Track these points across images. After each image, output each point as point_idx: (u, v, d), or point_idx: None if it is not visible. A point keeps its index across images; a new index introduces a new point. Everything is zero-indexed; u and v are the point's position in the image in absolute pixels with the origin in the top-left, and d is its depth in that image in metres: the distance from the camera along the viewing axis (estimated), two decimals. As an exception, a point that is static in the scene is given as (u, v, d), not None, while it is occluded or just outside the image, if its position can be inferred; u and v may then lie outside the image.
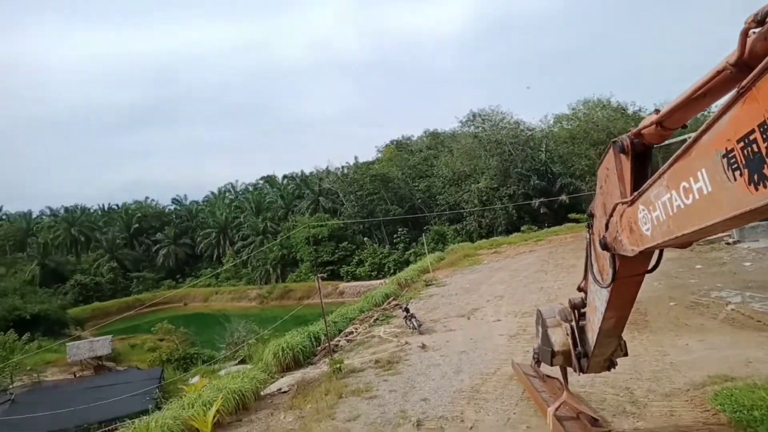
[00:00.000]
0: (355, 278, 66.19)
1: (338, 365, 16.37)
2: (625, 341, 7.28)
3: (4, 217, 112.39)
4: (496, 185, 62.03)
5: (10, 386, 25.05)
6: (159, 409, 16.10)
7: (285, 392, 16.76)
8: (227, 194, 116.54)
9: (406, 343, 18.42)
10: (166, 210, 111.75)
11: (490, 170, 62.72)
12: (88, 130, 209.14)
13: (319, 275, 32.22)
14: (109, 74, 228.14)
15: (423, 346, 17.38)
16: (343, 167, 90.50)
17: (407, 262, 55.38)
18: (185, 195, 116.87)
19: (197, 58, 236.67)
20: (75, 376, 33.35)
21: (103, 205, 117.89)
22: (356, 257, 69.49)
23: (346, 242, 72.03)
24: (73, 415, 18.74)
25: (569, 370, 8.37)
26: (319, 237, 71.08)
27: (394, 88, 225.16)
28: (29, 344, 30.09)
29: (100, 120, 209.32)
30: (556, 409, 8.79)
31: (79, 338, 44.00)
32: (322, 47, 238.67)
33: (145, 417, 15.36)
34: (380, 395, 12.93)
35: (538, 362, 10.00)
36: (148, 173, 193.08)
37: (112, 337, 42.22)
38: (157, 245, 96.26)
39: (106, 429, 16.52)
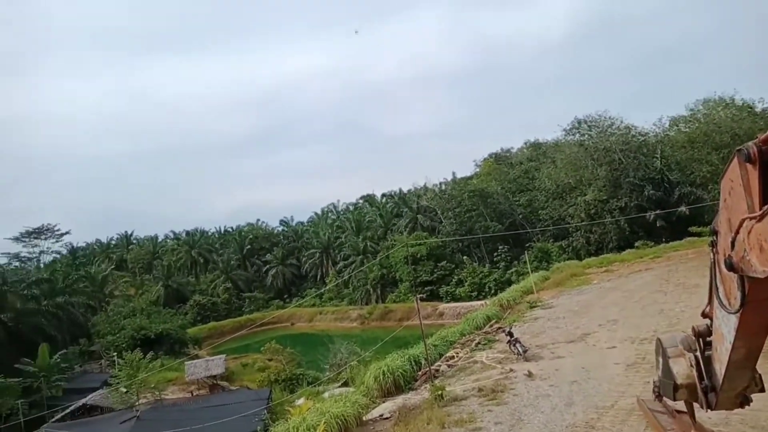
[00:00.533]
0: (454, 299, 65.03)
1: (440, 392, 15.86)
2: (760, 375, 6.27)
3: (134, 241, 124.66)
4: (605, 197, 58.21)
5: (137, 403, 27.29)
6: (267, 430, 16.50)
7: (386, 418, 16.53)
8: (329, 214, 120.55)
9: (511, 370, 17.49)
10: (275, 231, 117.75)
11: (599, 181, 58.99)
12: (205, 158, 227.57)
13: (418, 296, 31.88)
14: (221, 105, 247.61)
15: (529, 374, 16.39)
16: (440, 183, 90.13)
17: (509, 282, 53.49)
18: (291, 216, 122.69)
19: (296, 82, 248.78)
20: (192, 394, 35.63)
21: (219, 227, 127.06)
22: (455, 277, 68.37)
23: (445, 261, 71.16)
24: (190, 433, 19.84)
25: (696, 405, 7.52)
26: (418, 256, 70.86)
27: (491, 99, 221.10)
28: (153, 362, 32.72)
29: (215, 147, 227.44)
30: None
31: (197, 357, 47.21)
32: (416, 61, 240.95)
33: (253, 438, 15.94)
34: (485, 427, 12.27)
35: (659, 396, 9.06)
36: (259, 196, 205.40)
37: (225, 356, 44.78)
38: (267, 266, 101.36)
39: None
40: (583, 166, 61.38)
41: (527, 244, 64.74)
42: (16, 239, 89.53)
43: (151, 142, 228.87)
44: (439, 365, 21.44)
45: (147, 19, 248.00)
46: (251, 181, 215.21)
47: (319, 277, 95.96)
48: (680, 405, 8.79)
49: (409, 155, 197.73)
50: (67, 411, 28.89)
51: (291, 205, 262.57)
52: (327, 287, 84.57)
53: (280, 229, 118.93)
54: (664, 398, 9.28)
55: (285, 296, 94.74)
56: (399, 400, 17.84)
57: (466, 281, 65.69)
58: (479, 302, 49.34)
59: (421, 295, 67.99)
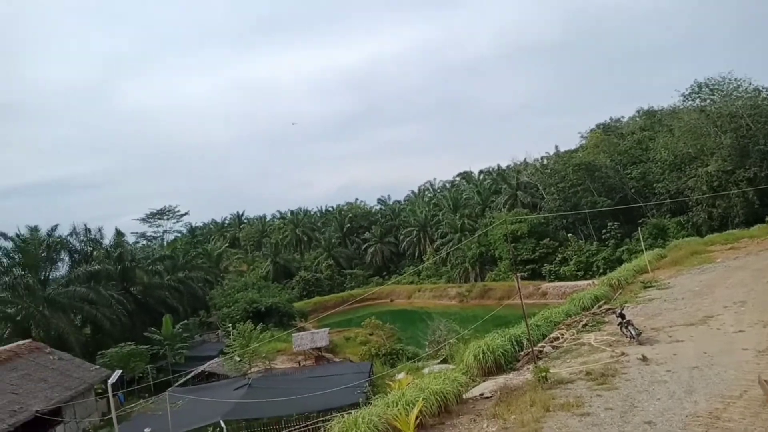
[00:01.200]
0: (558, 278, 62.44)
1: (543, 374, 15.21)
2: None
3: (245, 220, 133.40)
4: (730, 167, 52.41)
5: (249, 371, 29.28)
6: (368, 402, 16.83)
7: (487, 398, 16.19)
8: (426, 192, 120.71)
9: (623, 353, 16.35)
10: (373, 210, 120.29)
11: (723, 150, 53.13)
12: (306, 141, 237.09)
13: (519, 274, 30.89)
14: (320, 89, 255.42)
15: (644, 359, 15.22)
16: (542, 158, 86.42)
17: (619, 261, 50.22)
18: (389, 195, 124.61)
19: (394, 61, 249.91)
20: (299, 365, 37.58)
21: (320, 207, 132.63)
22: (559, 255, 65.55)
23: (548, 239, 68.42)
24: (296, 403, 20.85)
25: None
26: (518, 233, 68.77)
27: (596, 68, 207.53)
28: (263, 333, 34.86)
29: (315, 130, 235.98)
30: None
31: (303, 329, 49.59)
32: (512, 33, 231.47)
33: (354, 411, 16.31)
34: (594, 413, 11.55)
35: None
36: (357, 176, 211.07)
37: (329, 329, 46.64)
38: (366, 243, 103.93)
39: (322, 419, 17.84)
40: (705, 134, 55.54)
41: (640, 221, 60.34)
42: (143, 220, 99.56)
43: (255, 128, 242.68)
44: (543, 346, 20.63)
45: (243, 15, 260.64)
46: (349, 162, 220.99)
47: (416, 254, 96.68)
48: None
49: (508, 131, 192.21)
50: (189, 377, 31.71)
51: (388, 184, 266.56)
52: (425, 265, 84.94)
53: (377, 207, 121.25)
54: None
55: (384, 273, 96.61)
56: (500, 380, 17.38)
57: (571, 260, 62.77)
58: (586, 282, 46.93)
59: (522, 274, 66.12)
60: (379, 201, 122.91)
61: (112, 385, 20.22)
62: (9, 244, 40.31)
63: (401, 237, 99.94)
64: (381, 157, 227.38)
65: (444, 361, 28.46)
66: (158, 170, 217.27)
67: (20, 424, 22.83)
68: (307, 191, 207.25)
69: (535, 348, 20.66)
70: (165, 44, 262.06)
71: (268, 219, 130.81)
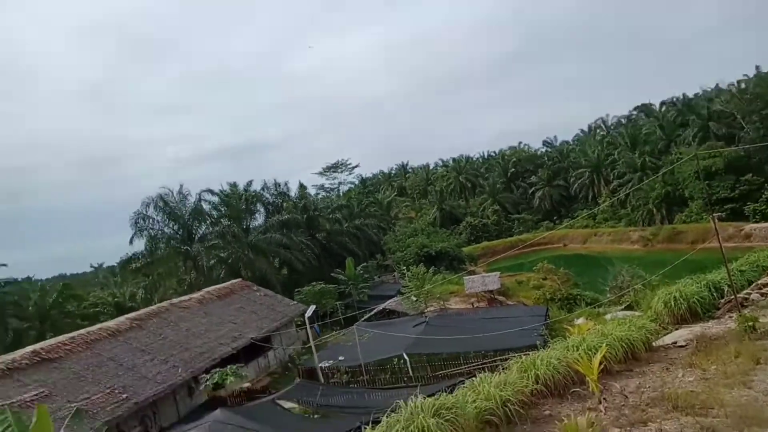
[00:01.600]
0: (765, 218, 53.87)
1: (751, 323, 13.67)
2: None
3: (410, 170, 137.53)
4: None
5: (425, 310, 31.03)
6: (546, 345, 16.83)
7: (681, 347, 15.10)
8: (598, 131, 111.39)
9: None
10: (538, 153, 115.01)
11: None
12: (463, 86, 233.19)
13: (716, 215, 27.51)
14: (476, 31, 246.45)
15: None
16: (739, 83, 73.74)
17: None
18: (555, 136, 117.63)
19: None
20: (473, 306, 38.58)
21: (483, 153, 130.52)
22: (766, 192, 56.26)
23: (750, 174, 58.96)
24: (472, 341, 21.68)
25: None
26: (713, 169, 60.35)
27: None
28: (435, 276, 36.42)
29: (473, 75, 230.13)
30: None
31: (473, 273, 50.52)
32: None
33: (531, 353, 16.46)
34: (821, 368, 10.19)
35: None
36: (520, 119, 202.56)
37: (499, 273, 46.82)
38: (533, 188, 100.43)
39: (499, 358, 18.35)
40: None
41: None
42: (320, 173, 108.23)
43: (415, 79, 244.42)
44: (749, 293, 18.37)
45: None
46: (511, 104, 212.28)
47: (590, 197, 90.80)
48: None
49: (693, 57, 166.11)
50: (372, 313, 34.68)
51: (553, 125, 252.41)
52: (600, 207, 79.56)
53: (543, 150, 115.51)
54: None
55: (554, 217, 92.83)
56: (696, 328, 16.06)
57: (784, 197, 53.61)
58: (804, 222, 39.92)
59: (720, 214, 58.41)
60: (545, 143, 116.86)
61: (309, 318, 23.04)
62: (216, 199, 47.36)
63: (572, 179, 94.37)
64: (544, 98, 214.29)
65: (629, 308, 26.93)
66: (331, 127, 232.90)
67: (240, 348, 27.49)
68: (468, 138, 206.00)
69: (738, 295, 18.52)
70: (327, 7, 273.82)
71: (431, 167, 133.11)
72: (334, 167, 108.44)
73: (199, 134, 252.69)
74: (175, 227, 42.55)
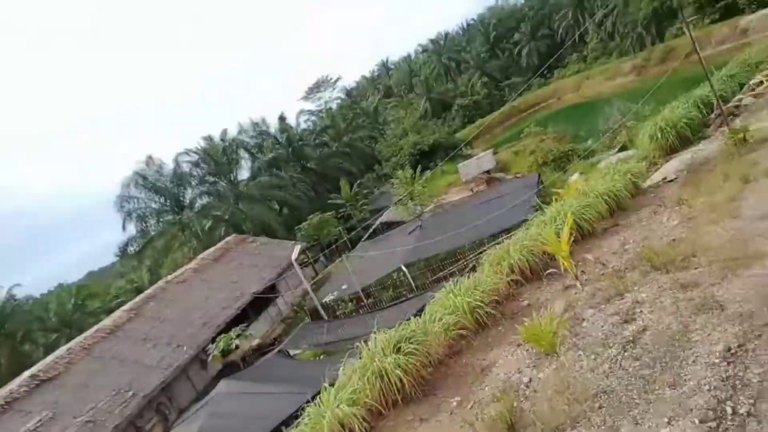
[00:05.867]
0: (761, 5, 49.27)
1: (740, 135, 12.05)
2: None
3: (392, 66, 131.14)
4: None
5: (423, 212, 29.90)
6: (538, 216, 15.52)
7: (671, 181, 13.68)
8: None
9: None
10: (517, 6, 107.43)
11: None
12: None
13: (689, 19, 24.64)
14: None
15: None
16: None
17: None
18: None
19: None
20: (472, 191, 37.21)
21: (461, 24, 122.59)
22: (761, -26, 51.20)
23: (746, -41, 53.53)
24: (466, 233, 20.60)
25: None
26: (703, -33, 55.05)
27: None
28: (425, 173, 34.87)
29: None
30: None
31: (469, 156, 48.67)
32: None
33: (519, 231, 15.31)
34: (816, 170, 8.69)
35: None
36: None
37: (492, 150, 44.94)
38: (518, 46, 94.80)
39: (495, 243, 17.27)
40: None
41: None
42: (305, 98, 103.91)
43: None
44: (740, 99, 16.52)
45: None
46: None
47: (577, 38, 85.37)
48: None
49: None
50: (371, 231, 33.78)
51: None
52: (589, 47, 74.92)
53: (522, 1, 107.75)
54: None
55: (545, 72, 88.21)
56: (687, 155, 14.50)
57: (778, -25, 48.70)
58: (801, -3, 36.21)
59: (713, 15, 54.16)
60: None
61: (303, 255, 22.08)
62: (195, 158, 45.49)
63: (555, 25, 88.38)
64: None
65: (623, 149, 25.26)
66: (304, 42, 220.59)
67: (245, 305, 27.14)
68: (445, 12, 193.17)
69: (729, 104, 16.67)
70: None
71: (412, 57, 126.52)
72: (316, 87, 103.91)
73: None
74: (162, 199, 41.47)
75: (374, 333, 9.22)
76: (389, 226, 33.65)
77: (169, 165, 43.49)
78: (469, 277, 10.77)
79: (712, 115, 15.89)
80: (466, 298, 9.69)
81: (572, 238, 10.23)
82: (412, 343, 8.57)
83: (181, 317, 24.92)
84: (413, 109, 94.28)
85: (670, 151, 15.92)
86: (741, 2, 51.90)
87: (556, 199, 16.17)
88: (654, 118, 17.70)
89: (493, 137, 73.11)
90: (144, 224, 40.52)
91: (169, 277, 29.64)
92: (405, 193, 30.72)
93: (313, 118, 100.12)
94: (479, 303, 9.53)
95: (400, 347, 8.55)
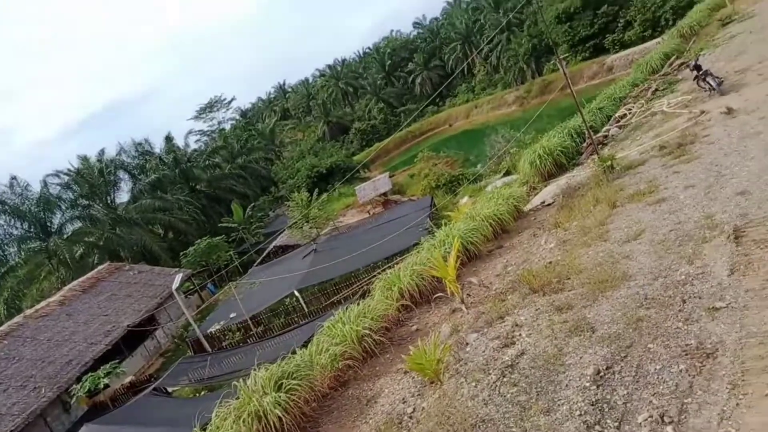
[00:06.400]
0: (623, 46, 55.39)
1: (608, 163, 13.02)
2: None
3: (289, 89, 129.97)
4: None
5: (319, 236, 29.33)
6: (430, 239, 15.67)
7: (549, 205, 14.47)
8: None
9: (702, 112, 13.55)
10: (411, 37, 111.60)
11: None
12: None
13: (562, 57, 26.76)
14: None
15: (728, 111, 12.43)
16: None
17: (690, 5, 42.93)
18: (423, 15, 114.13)
19: None
20: (370, 213, 37.45)
21: (357, 52, 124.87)
22: (621, 20, 57.56)
23: (606, 5, 59.89)
24: (362, 256, 20.41)
25: None
26: (572, 10, 60.71)
27: None
28: (322, 196, 34.38)
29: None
30: None
31: (368, 179, 49.11)
32: None
33: (411, 253, 15.40)
34: (671, 196, 9.47)
35: None
36: (392, 7, 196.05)
37: (388, 173, 45.74)
38: (412, 75, 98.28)
39: (388, 266, 17.23)
40: None
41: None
42: (196, 117, 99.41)
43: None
44: (608, 129, 18.02)
45: None
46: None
47: (466, 70, 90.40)
48: None
49: None
50: (262, 257, 32.72)
51: (425, 4, 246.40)
52: (476, 78, 79.50)
53: (415, 33, 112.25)
54: None
55: (437, 100, 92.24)
56: (562, 180, 15.42)
57: (636, 21, 54.99)
58: (653, 42, 41.08)
59: (584, 53, 59.83)
60: (415, 25, 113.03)
61: (199, 279, 20.55)
62: (66, 180, 41.38)
63: (446, 56, 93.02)
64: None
65: (508, 173, 26.65)
66: (199, 65, 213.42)
67: (117, 340, 24.72)
68: (342, 41, 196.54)
69: (598, 134, 18.15)
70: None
71: (311, 81, 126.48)
72: (209, 107, 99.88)
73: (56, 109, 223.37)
74: (25, 225, 37.02)
75: (255, 369, 8.54)
76: (284, 249, 32.73)
77: (36, 187, 39.15)
78: (359, 304, 10.45)
79: (584, 144, 17.10)
80: (354, 326, 9.36)
81: (459, 262, 10.32)
82: (295, 378, 8.04)
83: (41, 356, 22.02)
84: (311, 132, 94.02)
85: (548, 177, 16.91)
86: (607, 43, 57.90)
87: (445, 223, 16.60)
88: (534, 146, 18.83)
89: (390, 160, 74.65)
90: (1, 252, 35.93)
91: (29, 311, 26.23)
92: (300, 216, 30.05)
93: (204, 138, 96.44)
94: (368, 331, 9.25)
95: (282, 384, 7.99)
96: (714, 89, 14.34)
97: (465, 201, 24.48)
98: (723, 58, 17.93)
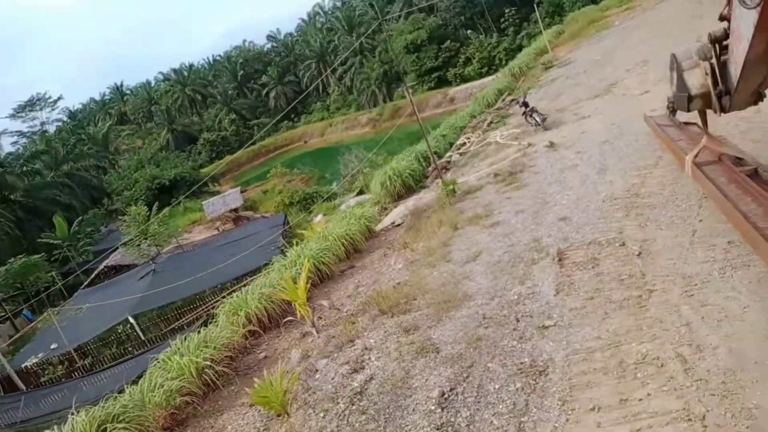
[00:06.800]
0: (464, 80, 60.58)
1: (451, 187, 13.89)
2: None
3: (128, 91, 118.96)
4: None
5: (159, 254, 26.89)
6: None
7: (399, 225, 14.98)
8: (317, 17, 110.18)
9: (529, 144, 15.14)
10: (265, 50, 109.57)
11: None
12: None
13: (407, 86, 28.33)
14: None
15: (551, 145, 14.05)
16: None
17: (520, 48, 48.45)
18: (278, 29, 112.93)
19: None
20: (219, 230, 35.59)
21: (207, 58, 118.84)
22: (462, 56, 62.95)
23: (449, 41, 65.05)
24: (207, 277, 19.17)
25: (709, 114, 8.09)
26: (419, 42, 64.83)
27: None
28: (164, 211, 31.56)
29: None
30: (695, 156, 8.24)
31: (217, 193, 46.74)
32: None
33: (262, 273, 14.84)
34: (504, 220, 10.32)
35: (673, 112, 9.55)
36: (244, 16, 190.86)
37: (240, 188, 44.02)
38: (266, 88, 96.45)
39: (239, 286, 16.39)
40: None
41: (536, 0, 57.66)
42: (13, 116, 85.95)
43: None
44: (450, 156, 19.32)
45: None
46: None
47: (321, 88, 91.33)
48: (685, 117, 10.13)
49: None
50: (91, 278, 29.33)
51: (279, 17, 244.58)
52: (331, 98, 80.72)
53: (269, 46, 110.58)
54: (670, 115, 10.50)
55: (292, 116, 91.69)
56: (411, 202, 16.08)
57: (474, 58, 60.57)
58: (490, 78, 45.44)
59: (430, 83, 64.01)
60: (269, 38, 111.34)
61: (12, 305, 17.48)
62: None
63: (301, 73, 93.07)
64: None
65: (361, 193, 27.20)
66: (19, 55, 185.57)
67: None
68: (191, 46, 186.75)
69: (442, 159, 19.38)
70: None
71: (153, 84, 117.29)
72: (30, 105, 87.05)
73: None
74: None
75: (72, 414, 7.41)
76: (117, 270, 29.55)
77: None
78: (199, 332, 9.68)
79: (430, 168, 18.08)
80: (194, 357, 8.61)
81: (310, 283, 10.14)
82: (122, 421, 7.12)
83: None
84: (152, 140, 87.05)
85: (398, 198, 17.57)
86: (450, 76, 62.76)
87: (297, 242, 16.33)
88: (385, 167, 19.52)
89: (242, 174, 72.26)
90: None
91: None
92: (138, 232, 27.43)
93: (23, 140, 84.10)
94: (209, 362, 8.56)
95: (105, 429, 7.01)
96: (539, 124, 16.11)
97: (319, 219, 24.43)
98: (546, 97, 20.33)
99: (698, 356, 4.60)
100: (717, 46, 6.97)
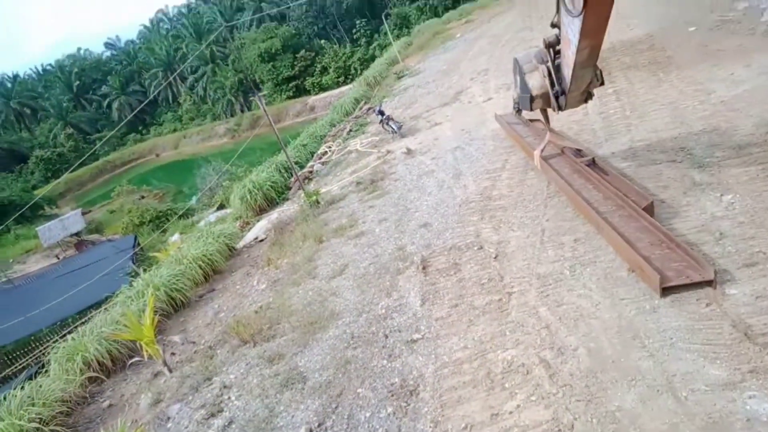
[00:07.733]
0: (322, 89, 60.67)
1: (314, 198, 13.51)
2: (600, 70, 7.26)
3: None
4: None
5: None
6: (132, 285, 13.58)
7: (262, 240, 14.24)
8: (161, 24, 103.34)
9: (388, 152, 15.30)
10: (104, 58, 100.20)
11: None
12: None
13: (260, 95, 27.65)
14: None
15: (408, 152, 14.30)
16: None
17: (373, 58, 49.71)
18: (117, 36, 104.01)
19: None
20: (59, 258, 31.26)
21: (35, 68, 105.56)
22: (318, 65, 62.99)
23: (304, 50, 64.73)
24: (46, 313, 16.65)
25: (549, 112, 8.71)
26: (273, 51, 63.60)
27: None
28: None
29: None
30: (542, 150, 9.00)
31: (55, 217, 41.30)
32: None
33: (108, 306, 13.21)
34: (369, 230, 10.18)
35: (519, 111, 10.21)
36: (81, 24, 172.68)
37: (81, 209, 39.33)
38: (107, 99, 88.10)
39: (80, 322, 14.44)
40: None
41: (384, 13, 59.64)
42: None
43: None
44: (312, 165, 18.93)
45: None
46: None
47: (170, 98, 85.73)
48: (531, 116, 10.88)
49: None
50: None
51: (115, 25, 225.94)
52: (183, 108, 76.08)
53: (108, 54, 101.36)
54: (516, 114, 11.00)
55: (140, 128, 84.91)
56: (273, 216, 15.37)
57: (330, 67, 60.95)
58: (347, 87, 45.98)
59: (288, 93, 63.13)
60: (108, 45, 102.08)
61: None
62: None
63: (147, 82, 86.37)
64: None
65: (221, 207, 25.70)
66: None
67: None
68: (15, 58, 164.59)
69: (304, 169, 18.93)
70: None
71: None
72: None
73: None
74: None
75: None
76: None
77: None
78: (23, 387, 8.17)
79: (292, 179, 17.53)
80: (16, 419, 7.21)
81: (159, 316, 9.10)
82: None
83: None
84: (-29, 160, 75.07)
85: (260, 211, 16.77)
86: (308, 85, 62.47)
87: (148, 267, 14.84)
88: (244, 180, 18.56)
89: (86, 194, 65.07)
90: None
91: None
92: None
93: None
94: (37, 423, 7.23)
95: None
96: (395, 132, 16.39)
97: (176, 238, 22.52)
98: (400, 105, 20.83)
99: (560, 360, 4.72)
100: (551, 50, 7.47)
